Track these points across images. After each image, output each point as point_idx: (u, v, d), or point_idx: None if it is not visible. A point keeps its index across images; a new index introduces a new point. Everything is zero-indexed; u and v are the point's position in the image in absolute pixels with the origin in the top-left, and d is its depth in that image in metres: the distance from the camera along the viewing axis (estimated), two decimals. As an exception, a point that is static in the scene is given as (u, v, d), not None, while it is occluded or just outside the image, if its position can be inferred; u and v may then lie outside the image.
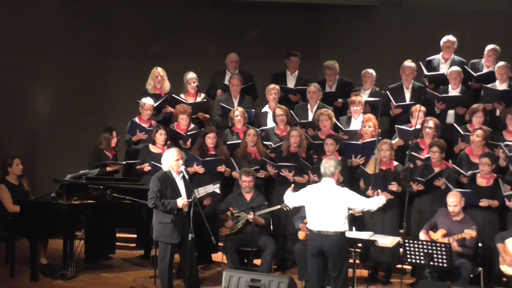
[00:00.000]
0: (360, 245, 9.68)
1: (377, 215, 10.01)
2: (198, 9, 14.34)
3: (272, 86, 11.85)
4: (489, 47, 11.69)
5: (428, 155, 10.45)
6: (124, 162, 11.34)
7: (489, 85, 11.27)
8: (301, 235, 9.95)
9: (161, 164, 9.58)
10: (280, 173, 10.79)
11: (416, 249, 9.06)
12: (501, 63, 11.34)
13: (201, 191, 9.70)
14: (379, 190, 9.90)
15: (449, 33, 11.99)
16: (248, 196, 10.50)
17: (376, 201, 8.93)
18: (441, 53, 11.98)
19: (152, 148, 11.10)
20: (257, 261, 10.40)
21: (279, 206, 10.29)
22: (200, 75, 12.22)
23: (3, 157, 10.84)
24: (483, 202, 9.84)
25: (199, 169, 10.85)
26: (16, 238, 10.24)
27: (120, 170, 11.43)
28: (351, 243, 9.10)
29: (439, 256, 8.95)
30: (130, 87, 13.74)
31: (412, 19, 13.84)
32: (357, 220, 9.68)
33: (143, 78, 12.28)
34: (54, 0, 13.74)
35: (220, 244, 10.78)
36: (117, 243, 11.57)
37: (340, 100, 11.96)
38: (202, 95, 12.14)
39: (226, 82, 12.28)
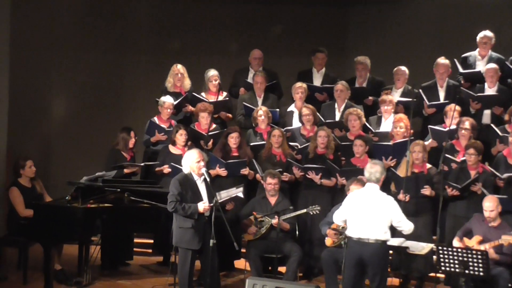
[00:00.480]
0: (391, 252, 9.62)
1: (409, 220, 9.95)
2: (220, 3, 14.35)
3: (299, 84, 11.83)
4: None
5: (463, 158, 10.38)
6: (142, 164, 11.35)
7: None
8: (328, 241, 9.93)
9: (181, 165, 9.58)
10: (307, 175, 10.76)
11: (451, 257, 8.99)
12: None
13: (223, 195, 9.72)
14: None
15: (486, 28, 11.91)
16: (272, 200, 10.48)
17: (411, 225, 8.80)
18: (478, 49, 11.91)
19: (172, 149, 11.11)
20: (282, 269, 10.39)
21: (305, 210, 10.27)
22: (222, 72, 12.24)
23: (15, 158, 10.87)
24: (521, 207, 9.78)
25: (222, 172, 10.84)
26: (29, 243, 10.27)
27: (138, 172, 11.44)
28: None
29: (475, 264, 8.87)
30: (148, 85, 13.77)
31: (446, 13, 13.74)
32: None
33: (163, 75, 12.31)
34: (69, -5, 13.83)
35: (243, 250, 10.79)
36: (134, 249, 11.59)
37: (371, 97, 11.91)
38: (224, 93, 12.15)
39: (249, 80, 12.28)
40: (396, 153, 10.70)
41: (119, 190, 10.28)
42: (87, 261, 10.26)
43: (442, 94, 11.68)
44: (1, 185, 11.29)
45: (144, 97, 13.67)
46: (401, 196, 10.03)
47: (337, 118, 11.60)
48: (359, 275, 8.69)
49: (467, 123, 10.67)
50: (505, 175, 10.14)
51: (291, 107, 11.88)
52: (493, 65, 11.43)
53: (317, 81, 12.40)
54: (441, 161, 10.23)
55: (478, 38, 11.87)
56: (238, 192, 9.88)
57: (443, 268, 9.11)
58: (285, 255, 10.24)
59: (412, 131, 10.81)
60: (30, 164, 10.66)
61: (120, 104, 14.14)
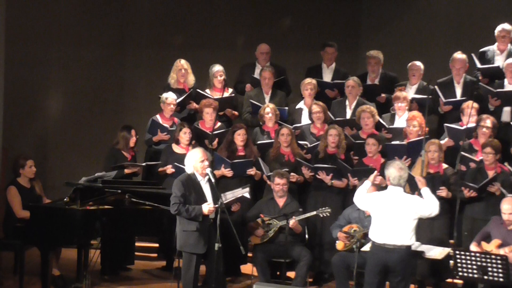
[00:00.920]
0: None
1: (424, 223, 9.91)
2: (225, -5, 14.37)
3: (308, 80, 11.82)
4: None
5: (482, 157, 10.35)
6: (144, 164, 11.33)
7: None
8: (339, 245, 9.92)
9: (185, 165, 9.56)
10: (317, 176, 10.73)
11: (468, 262, 8.95)
12: None
13: (228, 196, 9.68)
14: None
15: (504, 21, 11.90)
16: (281, 201, 10.46)
17: (436, 204, 8.81)
18: (496, 43, 11.90)
19: (176, 148, 11.09)
20: (291, 274, 10.37)
21: (314, 213, 10.26)
22: (228, 68, 12.23)
23: (13, 157, 10.88)
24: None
25: (227, 172, 10.83)
26: (26, 247, 10.24)
27: (139, 172, 11.44)
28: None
29: (494, 270, 8.84)
30: (150, 81, 13.78)
31: (463, 5, 13.72)
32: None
33: (165, 71, 12.31)
34: (67, -13, 13.83)
35: (250, 254, 10.78)
36: (136, 253, 11.60)
37: (383, 95, 11.88)
38: (230, 90, 12.14)
39: (256, 75, 12.25)
40: (411, 153, 10.68)
41: (119, 191, 10.23)
42: (86, 266, 10.24)
43: (459, 90, 11.66)
44: (-4, 184, 11.28)
45: (145, 94, 13.68)
46: (415, 197, 10.00)
47: (348, 115, 11.59)
48: (382, 283, 8.72)
49: (488, 121, 10.62)
50: (524, 175, 10.13)
51: (300, 104, 11.86)
52: (513, 60, 11.42)
53: (327, 76, 12.38)
54: (458, 161, 10.20)
55: (496, 31, 11.86)
56: (244, 192, 9.85)
57: (460, 273, 9.07)
58: (294, 259, 10.23)
59: (427, 129, 10.79)
60: (31, 164, 10.65)
61: (120, 101, 14.15)
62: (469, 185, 10.03)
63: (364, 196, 9.04)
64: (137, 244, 11.65)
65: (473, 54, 11.79)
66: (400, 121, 11.30)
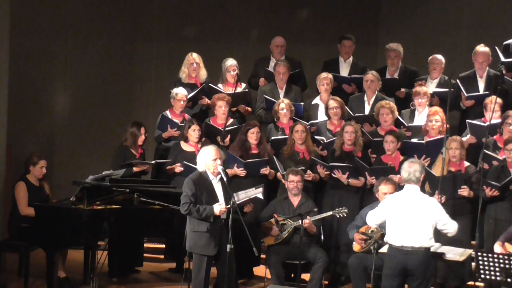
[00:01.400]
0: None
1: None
2: (239, -13, 14.39)
3: (324, 75, 11.82)
4: None
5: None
6: (153, 162, 11.36)
7: None
8: (356, 246, 9.91)
9: (194, 164, 9.59)
10: (333, 174, 10.74)
11: (491, 264, 8.92)
12: None
13: (241, 196, 9.70)
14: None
15: (529, 12, 11.89)
16: (295, 201, 10.47)
17: (455, 226, 8.82)
18: (521, 35, 11.88)
19: (184, 145, 11.11)
20: (306, 276, 10.37)
21: (331, 213, 10.25)
22: (241, 62, 12.24)
23: (17, 155, 10.92)
24: None
25: (241, 172, 10.84)
26: (31, 248, 10.33)
27: (148, 170, 11.48)
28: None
29: (518, 272, 8.85)
30: (160, 76, 13.82)
31: (486, -3, 13.72)
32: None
33: (176, 65, 12.34)
34: (75, -21, 13.88)
35: (263, 256, 10.80)
36: (145, 255, 11.62)
37: (403, 89, 11.88)
38: (243, 84, 12.16)
39: (270, 69, 12.26)
40: (431, 150, 10.66)
41: (128, 190, 10.27)
42: (93, 268, 10.28)
43: (481, 85, 11.64)
44: (0, 183, 11.32)
45: (155, 89, 13.73)
46: (436, 197, 9.96)
47: (367, 111, 11.58)
48: (401, 286, 8.73)
49: (515, 117, 10.61)
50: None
51: (316, 100, 11.87)
52: (538, 53, 11.41)
53: (344, 71, 12.39)
54: (480, 159, 10.18)
55: (521, 23, 11.86)
56: (258, 192, 9.87)
57: (482, 276, 9.03)
58: (309, 261, 10.24)
59: (448, 125, 10.75)
60: (43, 165, 10.68)
61: (129, 96, 14.20)
62: (491, 184, 10.01)
63: (374, 211, 9.02)
64: (146, 245, 11.69)
65: (496, 47, 11.75)
66: (420, 118, 11.29)
